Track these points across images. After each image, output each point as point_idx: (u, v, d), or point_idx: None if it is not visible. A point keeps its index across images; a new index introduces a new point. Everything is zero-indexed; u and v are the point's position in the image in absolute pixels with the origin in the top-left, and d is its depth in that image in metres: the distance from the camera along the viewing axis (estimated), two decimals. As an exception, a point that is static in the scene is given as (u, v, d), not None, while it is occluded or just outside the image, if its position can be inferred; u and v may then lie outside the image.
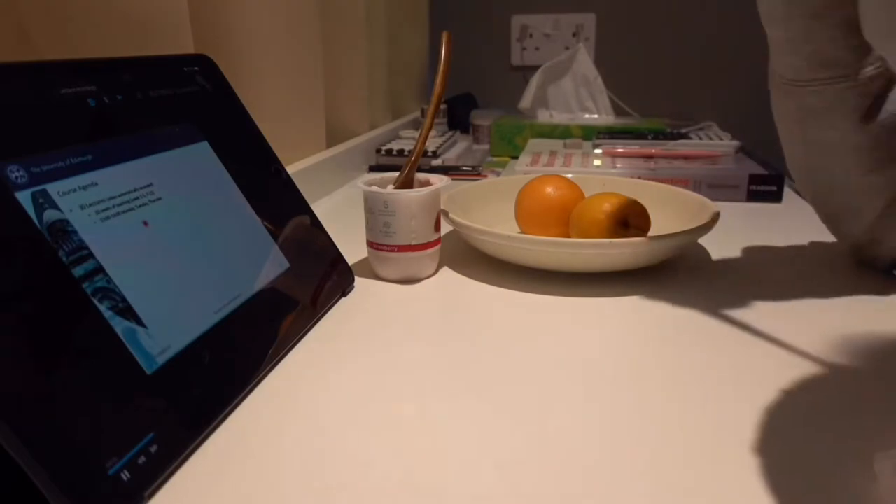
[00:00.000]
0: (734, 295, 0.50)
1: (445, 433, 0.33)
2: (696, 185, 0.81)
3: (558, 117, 1.19)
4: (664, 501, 0.28)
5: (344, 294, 0.51)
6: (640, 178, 0.78)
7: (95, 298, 0.30)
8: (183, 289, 0.36)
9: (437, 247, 0.55)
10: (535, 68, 1.23)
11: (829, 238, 0.64)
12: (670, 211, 0.62)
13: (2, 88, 0.31)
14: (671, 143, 0.96)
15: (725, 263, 0.57)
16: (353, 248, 0.60)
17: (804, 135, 0.50)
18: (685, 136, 0.98)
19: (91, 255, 0.31)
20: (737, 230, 0.67)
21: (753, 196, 0.80)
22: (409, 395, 0.37)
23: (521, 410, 0.35)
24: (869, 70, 0.45)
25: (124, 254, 0.33)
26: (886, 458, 0.29)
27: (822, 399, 0.36)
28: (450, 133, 1.14)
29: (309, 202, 0.53)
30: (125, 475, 0.27)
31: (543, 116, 1.19)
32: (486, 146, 1.17)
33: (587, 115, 1.22)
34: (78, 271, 0.30)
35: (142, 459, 0.28)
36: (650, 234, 0.56)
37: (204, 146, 0.43)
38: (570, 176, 0.65)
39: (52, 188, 0.31)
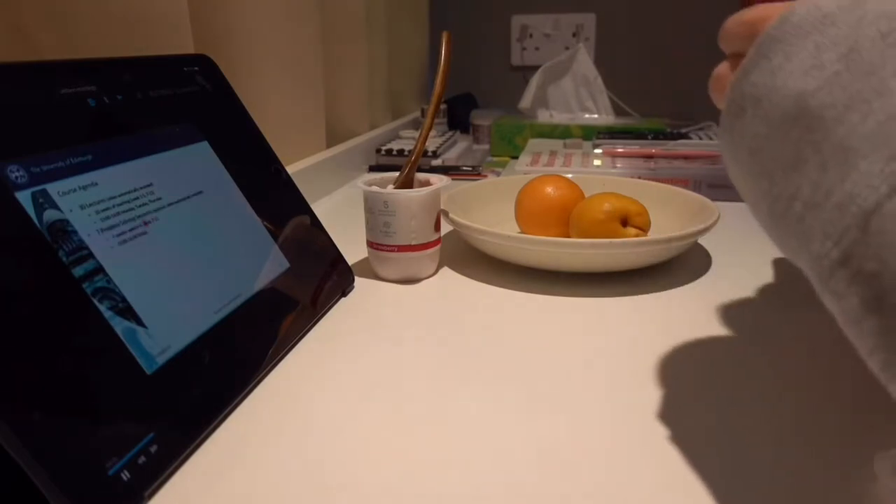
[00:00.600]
0: (734, 295, 0.50)
1: (445, 433, 0.33)
2: (696, 185, 0.81)
3: (558, 117, 1.19)
4: (664, 501, 0.28)
5: (344, 294, 0.51)
6: (640, 178, 0.78)
7: (95, 298, 0.30)
8: (183, 289, 0.36)
9: (437, 247, 0.55)
10: (535, 68, 1.23)
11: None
12: (670, 211, 0.62)
13: (2, 88, 0.31)
14: (671, 143, 0.96)
15: (725, 263, 0.57)
16: (353, 248, 0.60)
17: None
18: (685, 136, 0.98)
19: (91, 255, 0.31)
20: (737, 230, 0.67)
21: (753, 196, 0.79)
22: (409, 394, 0.37)
23: (521, 410, 0.35)
24: None
25: (124, 254, 0.33)
26: (886, 458, 0.29)
27: (821, 399, 0.36)
28: (450, 133, 1.14)
29: (309, 202, 0.53)
30: (125, 475, 0.27)
31: (543, 116, 1.19)
32: (486, 146, 1.17)
33: (587, 115, 1.22)
34: (78, 271, 0.30)
35: (142, 459, 0.28)
36: (650, 234, 0.56)
37: (204, 146, 0.43)
38: (570, 176, 0.65)
39: (52, 188, 0.31)
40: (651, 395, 0.37)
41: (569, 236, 0.58)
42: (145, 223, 0.35)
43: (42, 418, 0.25)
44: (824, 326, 0.44)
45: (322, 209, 0.77)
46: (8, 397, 0.25)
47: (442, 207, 0.56)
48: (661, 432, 0.33)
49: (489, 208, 0.66)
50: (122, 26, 0.49)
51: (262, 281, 0.42)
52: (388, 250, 0.52)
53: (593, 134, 1.05)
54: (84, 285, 0.30)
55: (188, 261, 0.37)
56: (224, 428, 0.34)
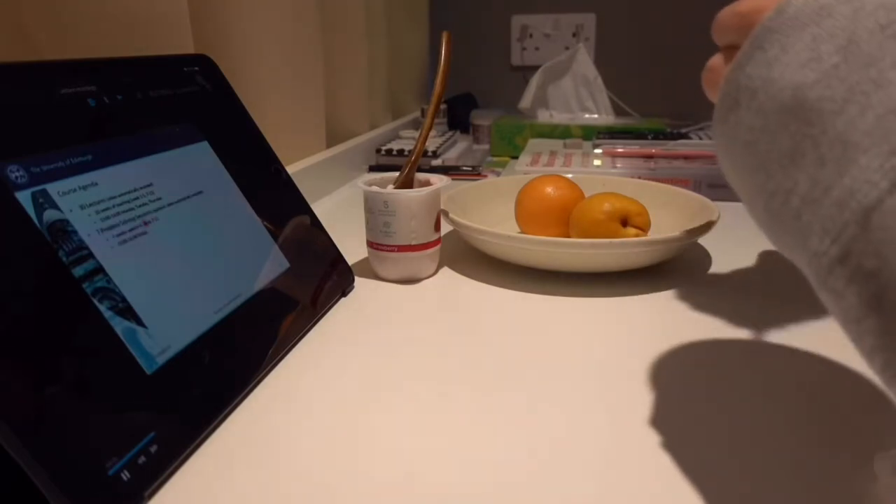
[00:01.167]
0: (734, 295, 0.50)
1: (445, 433, 0.33)
2: (696, 185, 0.81)
3: (558, 117, 1.19)
4: (663, 501, 0.28)
5: (344, 294, 0.51)
6: (640, 178, 0.78)
7: (95, 298, 0.30)
8: (183, 289, 0.36)
9: (437, 247, 0.55)
10: (535, 68, 1.23)
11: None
12: (670, 211, 0.62)
13: (2, 88, 0.31)
14: (671, 143, 0.96)
15: (725, 263, 0.57)
16: (353, 248, 0.60)
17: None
18: (685, 136, 0.98)
19: (91, 255, 0.31)
20: (737, 230, 0.67)
21: (753, 196, 0.79)
22: (409, 394, 0.37)
23: (520, 410, 0.35)
24: None
25: (124, 254, 0.33)
26: (886, 458, 0.29)
27: (821, 399, 0.36)
28: (450, 133, 1.14)
29: (309, 202, 0.53)
30: (125, 475, 0.27)
31: (543, 116, 1.19)
32: (486, 146, 1.17)
33: (587, 115, 1.22)
34: (78, 271, 0.30)
35: (142, 459, 0.28)
36: (650, 234, 0.56)
37: (204, 146, 0.43)
38: (570, 176, 0.65)
39: (52, 188, 0.31)
40: (651, 395, 0.37)
41: (569, 236, 0.58)
42: (145, 223, 0.35)
43: (42, 418, 0.25)
44: (824, 326, 0.44)
45: (322, 209, 0.77)
46: (8, 397, 0.25)
47: (442, 207, 0.56)
48: (660, 432, 0.33)
49: (489, 208, 0.66)
50: (122, 26, 0.49)
51: (262, 281, 0.42)
52: (388, 250, 0.52)
53: (593, 134, 1.05)
54: (84, 285, 0.30)
55: (188, 261, 0.37)
56: (224, 428, 0.34)
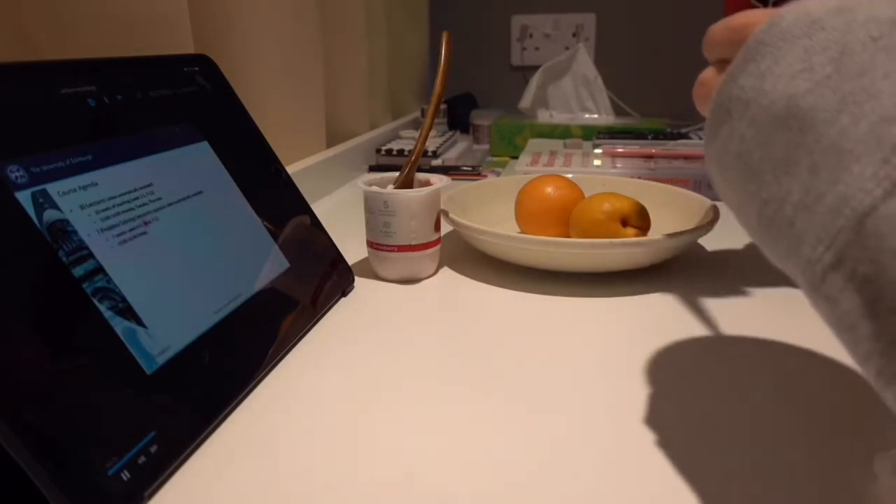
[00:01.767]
0: (734, 295, 0.50)
1: (445, 433, 0.33)
2: (696, 185, 0.81)
3: (558, 117, 1.19)
4: (663, 500, 0.28)
5: (344, 294, 0.51)
6: (640, 178, 0.78)
7: (95, 298, 0.30)
8: (183, 289, 0.36)
9: (437, 247, 0.55)
10: (535, 68, 1.23)
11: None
12: (670, 211, 0.62)
13: (2, 88, 0.31)
14: (671, 143, 0.96)
15: (725, 263, 0.57)
16: (353, 248, 0.60)
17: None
18: (685, 136, 0.98)
19: (91, 255, 0.31)
20: (737, 230, 0.67)
21: (753, 196, 0.79)
22: (409, 394, 0.37)
23: (521, 410, 0.35)
24: None
25: (124, 254, 0.33)
26: (886, 458, 0.29)
27: (821, 399, 0.36)
28: (450, 133, 1.14)
29: (309, 202, 0.53)
30: (125, 475, 0.27)
31: (543, 116, 1.19)
32: (486, 146, 1.17)
33: (587, 115, 1.21)
34: (78, 271, 0.30)
35: (142, 459, 0.28)
36: (650, 234, 0.56)
37: (204, 146, 0.43)
38: (570, 176, 0.65)
39: (52, 188, 0.31)
40: (650, 395, 0.37)
41: (569, 236, 0.58)
42: (145, 223, 0.35)
43: (42, 418, 0.25)
44: (824, 326, 0.44)
45: (322, 209, 0.77)
46: (8, 397, 0.25)
47: (442, 207, 0.56)
48: (660, 432, 0.33)
49: (489, 208, 0.66)
50: (122, 26, 0.49)
51: (262, 281, 0.42)
52: (388, 250, 0.52)
53: (593, 134, 1.05)
54: (84, 285, 0.30)
55: (188, 261, 0.37)
56: (224, 428, 0.34)
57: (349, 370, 0.40)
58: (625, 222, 0.55)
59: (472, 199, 0.65)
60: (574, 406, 0.36)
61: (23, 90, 0.32)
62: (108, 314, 0.30)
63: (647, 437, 0.33)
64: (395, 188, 0.54)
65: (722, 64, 0.30)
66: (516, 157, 1.03)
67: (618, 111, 1.25)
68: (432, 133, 1.06)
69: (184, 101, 0.43)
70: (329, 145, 0.91)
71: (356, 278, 0.54)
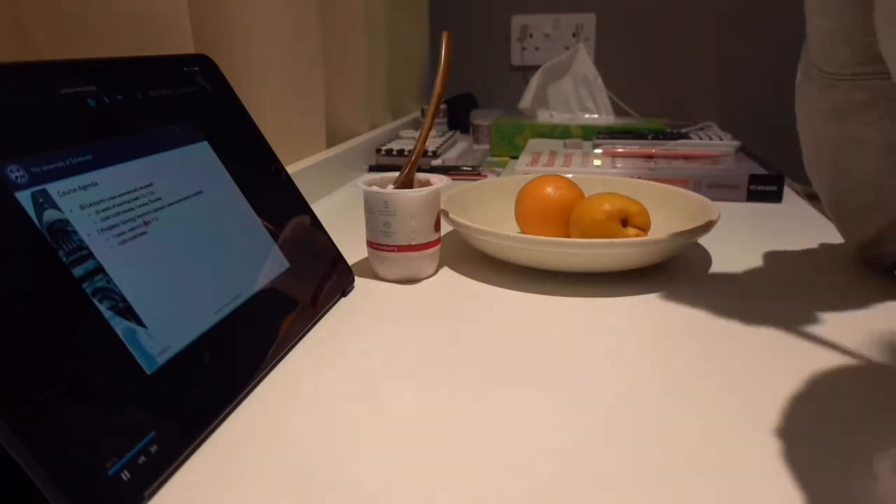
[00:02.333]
0: (734, 295, 0.50)
1: (445, 433, 0.33)
2: (696, 185, 0.81)
3: (558, 117, 1.19)
4: (663, 501, 0.28)
5: (344, 294, 0.51)
6: (640, 178, 0.78)
7: (95, 298, 0.30)
8: (183, 289, 0.36)
9: (437, 247, 0.55)
10: (535, 68, 1.23)
11: (829, 238, 0.64)
12: (670, 211, 0.62)
13: (2, 88, 0.31)
14: (671, 143, 0.96)
15: (725, 263, 0.57)
16: (353, 248, 0.60)
17: (840, 131, 0.47)
18: (685, 136, 0.98)
19: (91, 255, 0.31)
20: (737, 230, 0.67)
21: (753, 196, 0.80)
22: (409, 395, 0.37)
23: (520, 410, 0.35)
24: None
25: (124, 254, 0.33)
26: (886, 458, 0.29)
27: (821, 399, 0.36)
28: (450, 133, 1.14)
29: (309, 202, 0.53)
30: (125, 475, 0.27)
31: (543, 116, 1.19)
32: (486, 146, 1.17)
33: (587, 115, 1.22)
34: (78, 271, 0.30)
35: (142, 459, 0.28)
36: (650, 234, 0.56)
37: (204, 146, 0.43)
38: (570, 176, 0.65)
39: (52, 188, 0.31)
40: (650, 395, 0.37)
41: (569, 236, 0.58)
42: (145, 223, 0.35)
43: (42, 418, 0.25)
44: (824, 326, 0.44)
45: (322, 209, 0.77)
46: (8, 397, 0.25)
47: (442, 207, 0.56)
48: (660, 432, 0.33)
49: (489, 208, 0.66)
50: (122, 26, 0.49)
51: (262, 281, 0.42)
52: (388, 250, 0.52)
53: (593, 134, 1.05)
54: (84, 285, 0.30)
55: (188, 261, 0.37)
56: (224, 428, 0.34)
57: (349, 370, 0.40)
58: (625, 222, 0.55)
59: (472, 199, 0.65)
60: (574, 406, 0.36)
61: (23, 90, 0.32)
62: (108, 314, 0.30)
63: (647, 437, 0.33)
64: (395, 188, 0.54)
65: None
66: (516, 157, 1.03)
67: (618, 111, 1.25)
68: (432, 133, 1.06)
69: (184, 101, 0.43)
70: (329, 145, 0.92)
71: (356, 278, 0.54)
